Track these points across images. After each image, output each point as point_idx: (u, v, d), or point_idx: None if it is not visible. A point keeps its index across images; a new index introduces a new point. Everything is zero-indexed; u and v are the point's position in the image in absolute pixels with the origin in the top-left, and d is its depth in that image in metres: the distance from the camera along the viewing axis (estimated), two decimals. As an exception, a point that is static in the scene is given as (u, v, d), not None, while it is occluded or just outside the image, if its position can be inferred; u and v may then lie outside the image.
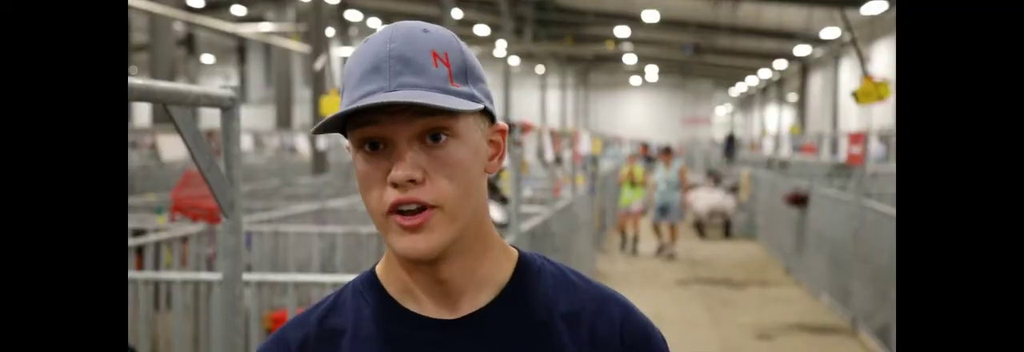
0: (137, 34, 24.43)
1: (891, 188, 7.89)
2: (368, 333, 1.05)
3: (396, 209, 0.98)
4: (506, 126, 1.08)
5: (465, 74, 1.02)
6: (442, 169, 0.98)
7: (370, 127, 0.98)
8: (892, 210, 5.88)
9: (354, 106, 0.96)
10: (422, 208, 0.97)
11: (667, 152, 11.66)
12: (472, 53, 1.05)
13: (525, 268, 1.09)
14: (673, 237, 11.11)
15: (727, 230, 13.23)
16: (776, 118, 39.90)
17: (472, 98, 1.01)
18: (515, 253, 1.10)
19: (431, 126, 0.98)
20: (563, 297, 1.08)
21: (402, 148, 0.97)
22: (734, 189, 13.50)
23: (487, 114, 1.05)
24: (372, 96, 0.97)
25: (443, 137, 0.98)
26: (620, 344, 1.07)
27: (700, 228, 13.33)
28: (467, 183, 1.00)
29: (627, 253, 11.34)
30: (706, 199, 13.16)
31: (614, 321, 1.08)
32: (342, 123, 1.00)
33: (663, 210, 11.09)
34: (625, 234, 11.60)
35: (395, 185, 0.97)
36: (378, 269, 1.10)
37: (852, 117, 24.19)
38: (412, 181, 0.97)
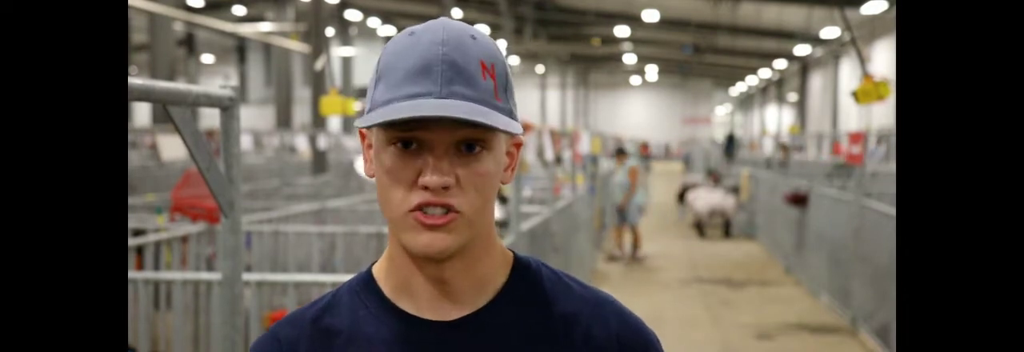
0: (137, 34, 24.45)
1: (891, 188, 7.89)
2: (365, 334, 1.05)
3: (420, 208, 0.99)
4: (523, 140, 1.10)
5: (506, 88, 1.04)
6: (473, 179, 1.00)
7: (413, 130, 0.98)
8: (892, 210, 5.88)
9: (416, 114, 0.95)
10: (447, 211, 0.99)
11: (620, 153, 11.08)
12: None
13: (523, 270, 1.10)
14: (617, 241, 10.83)
15: (727, 230, 13.23)
16: (776, 118, 39.92)
17: (511, 114, 1.03)
18: (511, 256, 1.11)
19: (471, 137, 0.99)
20: (560, 299, 1.09)
21: (439, 154, 0.98)
22: (734, 189, 13.50)
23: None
24: (422, 99, 0.97)
25: (478, 148, 1.00)
26: (617, 346, 1.07)
27: (700, 228, 13.34)
28: (489, 193, 1.02)
29: (625, 257, 11.27)
30: (706, 199, 13.16)
31: (610, 324, 1.09)
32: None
33: (619, 213, 10.77)
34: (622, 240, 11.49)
35: (426, 188, 0.98)
36: (375, 270, 1.10)
37: (852, 117, 24.21)
38: (445, 188, 0.98)
